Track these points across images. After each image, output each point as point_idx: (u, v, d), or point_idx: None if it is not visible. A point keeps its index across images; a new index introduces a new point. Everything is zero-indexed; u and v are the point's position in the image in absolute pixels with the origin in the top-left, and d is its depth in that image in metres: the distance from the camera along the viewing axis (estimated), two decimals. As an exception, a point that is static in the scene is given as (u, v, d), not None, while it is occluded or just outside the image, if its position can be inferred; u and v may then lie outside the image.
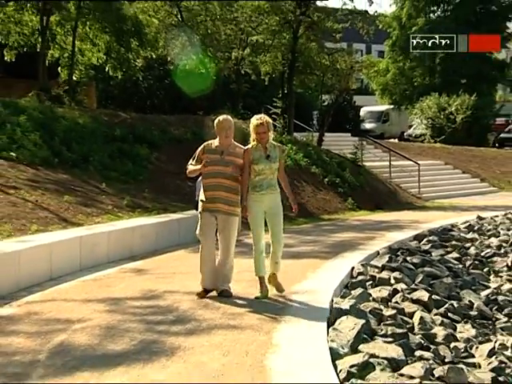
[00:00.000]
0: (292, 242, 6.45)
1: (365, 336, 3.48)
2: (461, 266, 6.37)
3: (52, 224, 5.90)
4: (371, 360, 3.08)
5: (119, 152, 9.21)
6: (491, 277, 6.25)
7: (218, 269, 4.09)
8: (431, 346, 3.71)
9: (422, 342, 3.73)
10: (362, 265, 5.39)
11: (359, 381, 2.92)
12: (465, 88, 22.29)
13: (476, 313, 4.80)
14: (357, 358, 3.08)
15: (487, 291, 5.54)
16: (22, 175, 7.18)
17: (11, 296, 4.27)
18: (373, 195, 12.06)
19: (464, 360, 3.66)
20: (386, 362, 3.14)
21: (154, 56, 13.52)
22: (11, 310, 3.95)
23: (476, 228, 8.79)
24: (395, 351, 3.29)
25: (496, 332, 4.46)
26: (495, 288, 5.71)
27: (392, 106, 25.69)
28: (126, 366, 2.85)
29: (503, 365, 3.65)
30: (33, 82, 11.52)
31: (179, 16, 13.69)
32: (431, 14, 26.36)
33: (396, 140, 21.95)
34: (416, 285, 5.11)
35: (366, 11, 15.16)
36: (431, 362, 3.36)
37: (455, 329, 4.30)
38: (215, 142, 4.15)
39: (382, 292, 4.68)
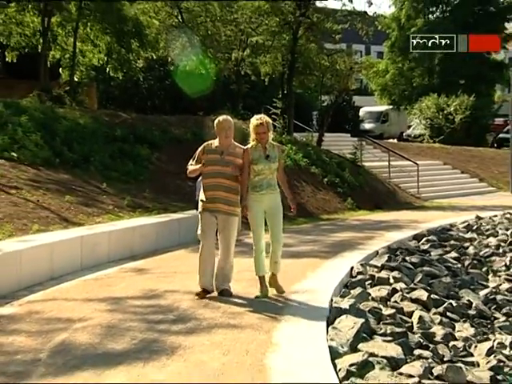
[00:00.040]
0: (292, 242, 6.46)
1: (364, 335, 3.49)
2: (459, 265, 6.38)
3: (53, 224, 5.92)
4: (370, 359, 3.10)
5: (120, 152, 9.24)
6: (490, 276, 6.28)
7: (218, 268, 4.10)
8: (430, 345, 3.73)
9: (421, 340, 3.75)
10: (362, 264, 5.41)
11: (358, 380, 2.93)
12: (463, 88, 22.35)
13: (475, 312, 4.82)
14: (356, 357, 3.10)
15: (486, 290, 5.56)
16: (23, 175, 7.20)
17: (12, 295, 4.28)
18: (372, 195, 12.08)
19: (463, 359, 3.68)
20: (385, 360, 3.15)
21: (154, 57, 13.56)
22: (12, 309, 3.97)
23: (475, 228, 8.81)
24: (394, 350, 3.31)
25: (494, 331, 4.49)
26: (494, 287, 5.73)
27: (391, 107, 25.73)
28: (126, 364, 2.87)
29: (502, 363, 3.68)
30: (34, 83, 11.55)
31: (180, 17, 13.72)
32: (430, 15, 26.44)
33: (395, 140, 21.97)
34: (415, 284, 5.13)
35: (366, 12, 15.21)
36: (430, 360, 3.38)
37: (454, 328, 4.31)
38: (215, 142, 4.17)
39: (381, 291, 4.69)
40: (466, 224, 8.96)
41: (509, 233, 8.55)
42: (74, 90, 12.14)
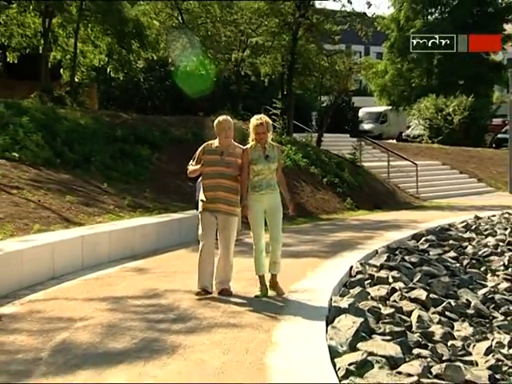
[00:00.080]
0: (291, 242, 6.48)
1: (363, 334, 3.51)
2: (458, 265, 6.40)
3: (54, 224, 5.93)
4: (369, 358, 3.11)
5: (120, 152, 9.26)
6: (488, 276, 6.28)
7: (217, 268, 4.12)
8: (429, 344, 3.74)
9: (420, 340, 3.77)
10: (361, 264, 5.43)
11: (358, 379, 2.95)
12: (462, 89, 22.40)
13: (473, 311, 4.84)
14: (355, 356, 3.11)
15: (484, 290, 5.57)
16: (24, 175, 7.22)
17: (14, 294, 4.29)
18: (371, 195, 12.11)
19: (461, 358, 3.69)
20: (384, 359, 3.17)
21: (155, 58, 13.59)
22: (14, 308, 3.98)
23: (473, 227, 8.83)
24: (393, 349, 3.32)
25: (493, 330, 4.50)
26: (492, 287, 5.75)
27: (390, 107, 25.78)
28: (127, 363, 2.88)
29: (500, 362, 3.70)
30: (35, 84, 11.58)
31: (180, 18, 13.74)
32: (429, 16, 26.49)
33: (394, 140, 22.00)
34: (414, 284, 5.15)
35: (365, 13, 15.22)
36: (429, 359, 3.39)
37: (453, 327, 4.33)
38: (215, 143, 4.18)
39: (380, 291, 4.71)
40: (465, 224, 8.99)
41: (507, 232, 8.58)
42: (74, 91, 12.17)
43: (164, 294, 4.27)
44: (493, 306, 5.13)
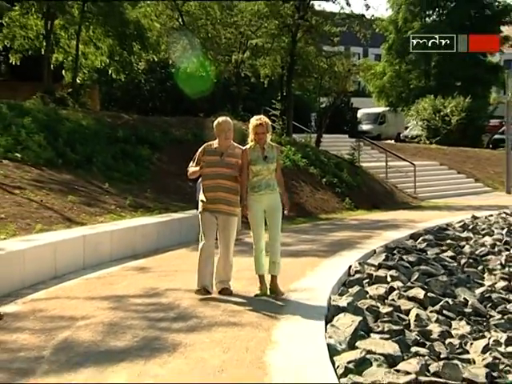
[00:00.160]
0: (291, 241, 6.51)
1: (362, 333, 3.54)
2: (456, 264, 6.42)
3: (56, 223, 5.95)
4: (368, 356, 3.14)
5: (122, 153, 9.30)
6: (485, 275, 6.31)
7: (217, 267, 4.14)
8: (427, 343, 3.77)
9: (418, 338, 3.79)
10: (360, 263, 5.46)
11: (356, 377, 2.98)
12: (460, 90, 22.49)
13: (470, 310, 4.86)
14: (354, 354, 3.14)
15: (481, 289, 5.60)
16: (26, 176, 7.25)
17: (16, 293, 4.32)
18: (370, 195, 12.15)
19: (459, 356, 3.71)
20: (382, 358, 3.20)
21: (155, 59, 13.61)
22: (16, 307, 4.01)
23: (471, 227, 8.87)
24: (392, 347, 3.35)
25: (490, 329, 4.52)
26: (489, 286, 5.77)
27: (388, 108, 25.83)
28: (128, 362, 2.90)
29: (497, 361, 3.72)
30: (37, 85, 11.61)
31: (180, 20, 13.76)
32: (427, 19, 26.58)
33: (392, 141, 22.06)
34: (412, 283, 5.17)
35: (363, 15, 15.23)
36: (427, 358, 3.42)
37: (450, 325, 4.35)
38: (215, 144, 4.20)
39: (378, 290, 4.74)
40: (462, 223, 9.03)
41: (504, 232, 8.63)
42: (76, 92, 12.20)
43: (165, 292, 4.29)
44: (490, 304, 5.16)
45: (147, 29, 12.49)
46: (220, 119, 4.23)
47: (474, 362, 3.71)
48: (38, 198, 6.56)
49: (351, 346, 3.34)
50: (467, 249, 7.27)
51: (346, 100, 20.55)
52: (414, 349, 3.58)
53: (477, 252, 7.17)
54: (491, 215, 10.25)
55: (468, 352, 3.89)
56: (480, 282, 5.99)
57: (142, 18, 12.64)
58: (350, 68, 15.09)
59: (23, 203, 6.21)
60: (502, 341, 4.12)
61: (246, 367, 2.83)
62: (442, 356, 3.61)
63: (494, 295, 5.40)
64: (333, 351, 3.17)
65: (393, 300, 4.57)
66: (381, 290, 4.75)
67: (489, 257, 7.00)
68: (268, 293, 4.14)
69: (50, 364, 2.91)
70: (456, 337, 4.10)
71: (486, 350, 3.89)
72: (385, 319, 3.95)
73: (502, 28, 25.54)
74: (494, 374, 3.51)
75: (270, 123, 4.23)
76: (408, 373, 3.06)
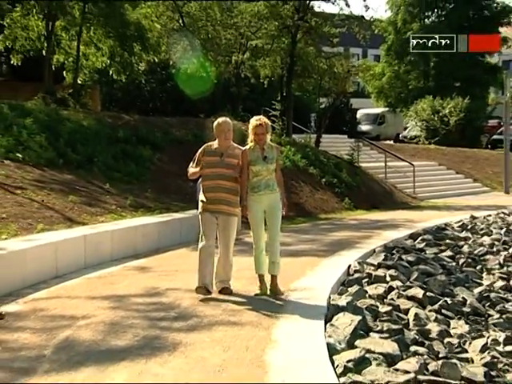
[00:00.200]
0: (290, 241, 6.53)
1: (361, 332, 3.55)
2: (454, 263, 6.44)
3: (57, 223, 5.97)
4: (367, 355, 3.15)
5: (123, 153, 9.32)
6: (484, 274, 6.32)
7: (217, 267, 4.16)
8: (426, 342, 3.78)
9: (417, 337, 3.80)
10: (359, 263, 5.47)
11: (355, 376, 2.99)
12: (458, 91, 22.54)
13: (469, 309, 4.87)
14: (353, 354, 3.15)
15: (480, 288, 5.62)
16: (28, 176, 7.26)
17: (17, 293, 4.33)
18: (369, 195, 12.18)
19: (457, 355, 3.72)
20: (381, 357, 3.21)
21: (156, 60, 13.61)
22: (18, 306, 4.02)
23: (469, 227, 8.90)
24: (391, 347, 3.36)
25: (488, 328, 4.54)
26: (488, 285, 5.79)
27: (387, 109, 25.89)
28: (129, 361, 2.92)
29: (495, 360, 3.73)
30: (39, 86, 11.63)
31: (181, 21, 13.79)
32: (426, 20, 26.64)
33: (391, 141, 22.11)
34: (411, 282, 5.20)
35: (363, 16, 15.28)
36: (426, 357, 3.43)
37: (449, 325, 4.37)
38: (215, 144, 4.22)
39: (377, 289, 4.75)
40: (461, 223, 9.06)
41: (502, 232, 8.66)
42: (77, 93, 12.22)
43: (165, 292, 4.31)
44: (488, 304, 5.18)
45: (148, 30, 12.51)
46: (220, 120, 4.24)
47: (473, 361, 3.73)
48: (40, 198, 6.58)
49: (350, 345, 3.35)
50: (466, 248, 7.29)
51: (345, 100, 20.58)
52: (412, 348, 3.60)
53: (475, 252, 7.19)
54: (490, 215, 10.27)
55: (467, 351, 3.90)
56: (478, 281, 6.00)
57: (143, 19, 12.66)
58: (350, 69, 15.13)
59: (24, 203, 6.23)
60: (501, 340, 4.13)
61: (246, 366, 2.84)
62: (440, 355, 3.62)
63: (492, 294, 5.42)
64: (332, 350, 3.18)
65: (392, 299, 4.59)
66: (380, 289, 4.76)
67: (487, 256, 7.02)
68: (268, 292, 4.17)
69: (50, 363, 2.93)
70: (455, 336, 4.12)
71: (484, 349, 3.91)
72: (384, 318, 3.96)
73: (501, 29, 25.61)
74: (493, 373, 3.52)
75: (269, 124, 4.25)
76: (407, 372, 3.07)
